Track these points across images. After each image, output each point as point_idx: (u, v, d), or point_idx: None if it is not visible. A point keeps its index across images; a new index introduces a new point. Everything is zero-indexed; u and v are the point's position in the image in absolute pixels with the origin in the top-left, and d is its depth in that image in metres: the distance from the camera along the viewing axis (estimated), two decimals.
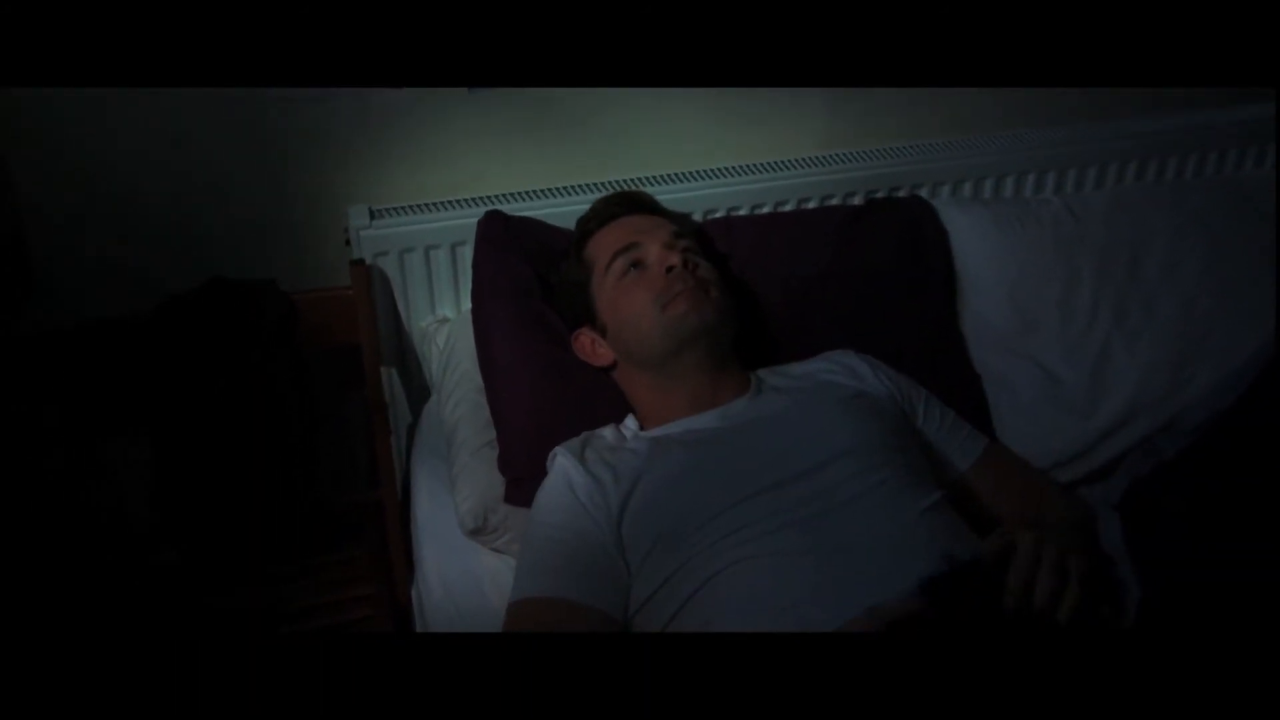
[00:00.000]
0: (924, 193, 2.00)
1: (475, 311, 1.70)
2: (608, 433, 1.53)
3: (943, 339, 1.80)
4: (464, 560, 1.59)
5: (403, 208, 1.84)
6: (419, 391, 1.96)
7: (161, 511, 1.81)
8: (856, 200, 1.96)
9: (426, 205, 1.85)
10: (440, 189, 1.87)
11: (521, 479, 1.55)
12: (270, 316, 1.77)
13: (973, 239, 1.87)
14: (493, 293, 1.67)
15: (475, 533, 1.56)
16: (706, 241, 1.74)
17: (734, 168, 1.95)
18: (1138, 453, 1.69)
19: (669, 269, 1.50)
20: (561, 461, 1.45)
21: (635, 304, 1.50)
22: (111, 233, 1.78)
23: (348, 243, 1.81)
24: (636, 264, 1.53)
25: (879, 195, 1.96)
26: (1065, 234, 1.88)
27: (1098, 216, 1.92)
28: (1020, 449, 1.70)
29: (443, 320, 1.88)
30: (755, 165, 1.95)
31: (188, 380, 1.76)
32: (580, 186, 1.89)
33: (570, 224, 1.73)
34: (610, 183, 1.90)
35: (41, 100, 1.66)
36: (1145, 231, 1.90)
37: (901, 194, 1.98)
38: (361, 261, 1.79)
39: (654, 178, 1.92)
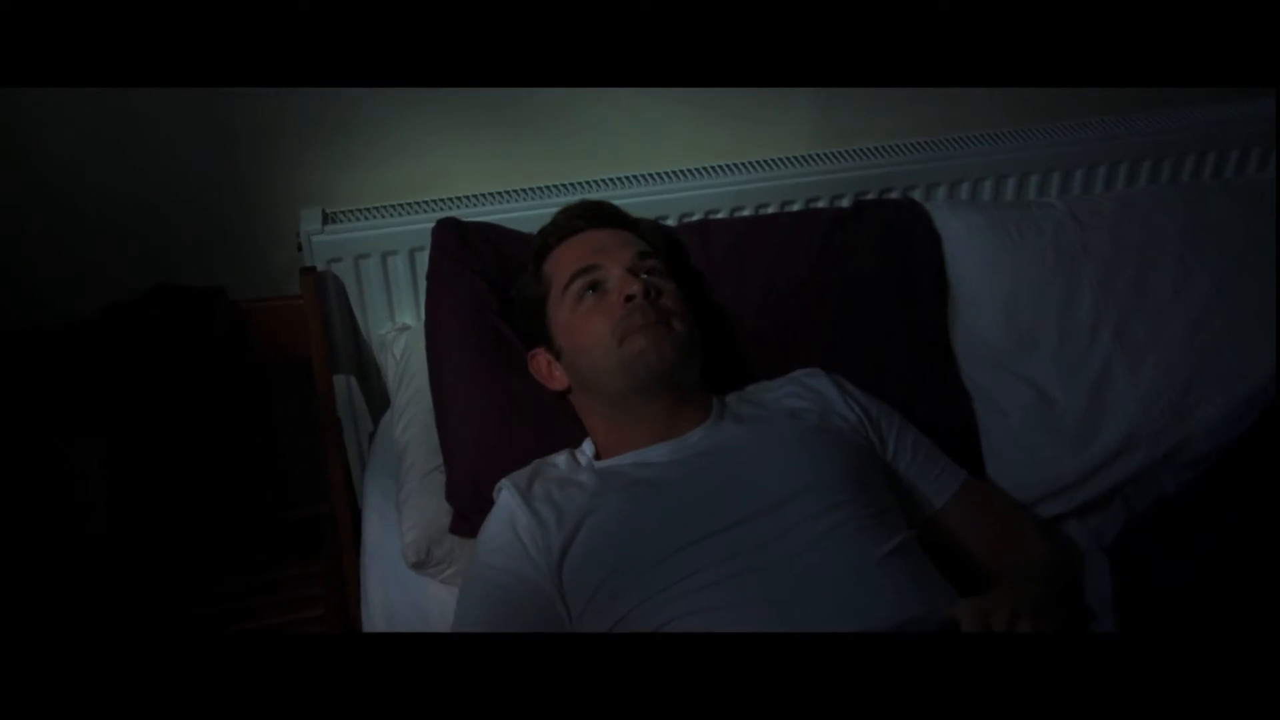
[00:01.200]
0: (918, 194, 1.87)
1: (427, 329, 1.60)
2: (561, 460, 1.43)
3: (931, 354, 1.68)
4: (410, 590, 1.51)
5: (360, 210, 1.74)
6: (380, 400, 1.86)
7: (115, 517, 1.74)
8: (845, 203, 1.83)
9: (385, 208, 1.75)
10: (401, 189, 1.77)
11: (467, 511, 1.46)
12: (217, 325, 1.69)
13: (966, 246, 1.74)
14: (444, 311, 1.58)
15: (417, 566, 1.47)
16: (679, 255, 1.62)
17: (713, 167, 1.83)
18: (1135, 486, 1.57)
19: (628, 298, 1.38)
20: (506, 497, 1.36)
21: (592, 332, 1.40)
22: (55, 232, 1.70)
23: (300, 248, 1.71)
24: (595, 287, 1.42)
25: (869, 197, 1.84)
26: (1067, 242, 1.75)
27: (1104, 223, 1.78)
28: (1009, 477, 1.60)
29: (402, 328, 1.78)
30: (736, 165, 1.84)
31: (131, 388, 1.68)
32: (550, 187, 1.78)
33: (537, 228, 1.63)
34: (582, 183, 1.79)
35: None
36: (1154, 240, 1.76)
37: (894, 196, 1.86)
38: (313, 269, 1.70)
39: (627, 178, 1.81)
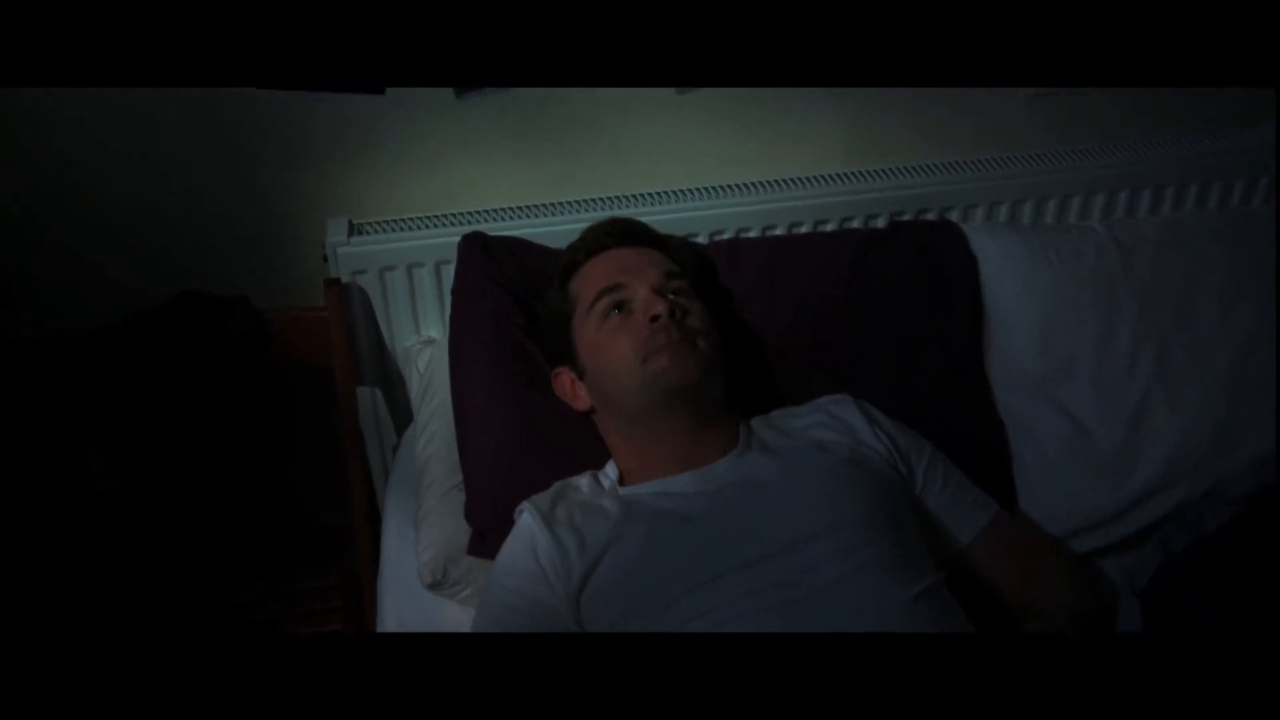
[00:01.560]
0: (955, 215, 1.83)
1: (451, 345, 1.58)
2: (584, 483, 1.41)
3: (965, 380, 1.63)
4: (425, 610, 1.49)
5: (386, 222, 1.73)
6: (405, 413, 1.85)
7: (136, 522, 1.74)
8: (880, 223, 1.79)
9: (412, 220, 1.73)
10: (428, 202, 1.76)
11: (486, 531, 1.43)
12: (238, 333, 1.68)
13: (1003, 270, 1.70)
14: (468, 326, 1.56)
15: (434, 586, 1.45)
16: (709, 275, 1.60)
17: (746, 185, 1.80)
18: (1173, 523, 1.51)
19: (654, 318, 1.35)
20: (527, 519, 1.34)
21: (616, 351, 1.37)
22: (84, 240, 1.70)
23: (325, 259, 1.70)
24: (621, 306, 1.39)
25: (904, 218, 1.80)
26: (1108, 267, 1.70)
27: (1146, 247, 1.73)
28: (1042, 508, 1.55)
29: (427, 341, 1.76)
30: (769, 182, 1.80)
31: (154, 395, 1.68)
32: (579, 203, 1.76)
33: (565, 244, 1.60)
34: (611, 198, 1.77)
35: (14, 104, 1.58)
36: (1199, 267, 1.70)
37: (930, 217, 1.81)
38: (337, 281, 1.68)
39: (658, 194, 1.78)
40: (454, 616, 1.47)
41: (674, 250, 1.52)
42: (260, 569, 1.83)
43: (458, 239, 1.64)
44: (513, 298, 1.56)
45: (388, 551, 1.60)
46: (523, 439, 1.47)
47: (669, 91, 1.73)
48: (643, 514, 1.31)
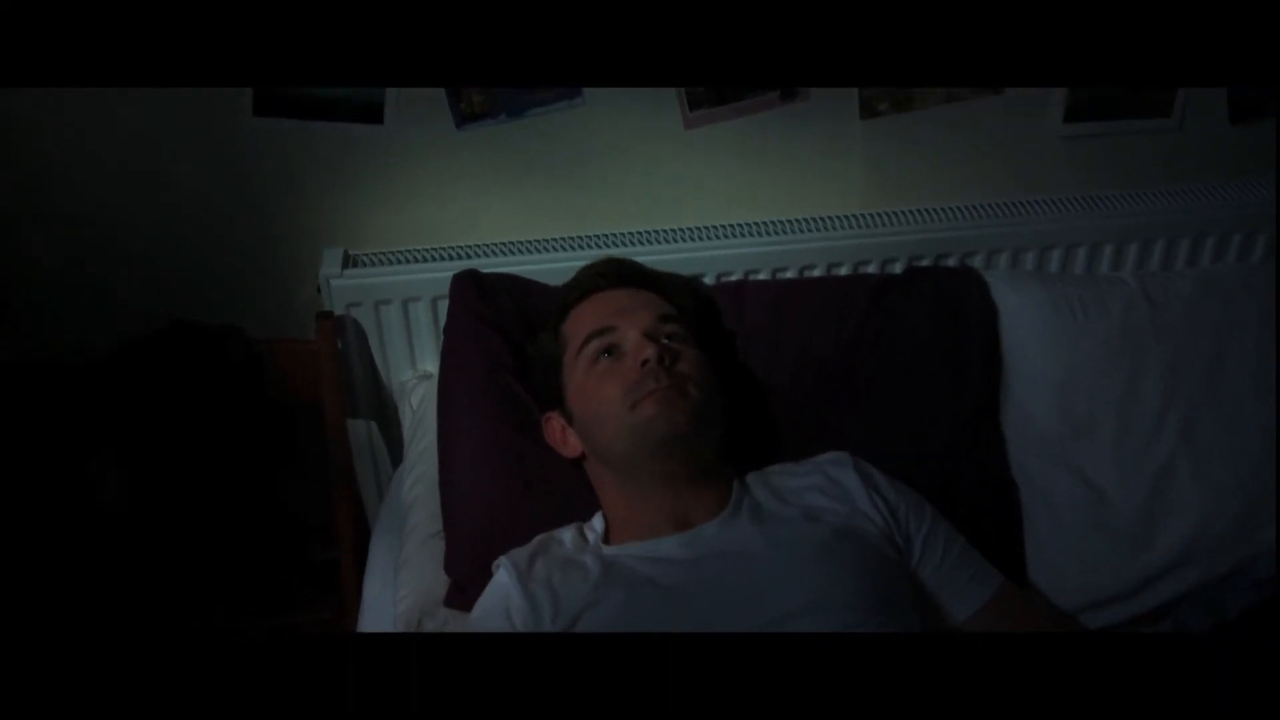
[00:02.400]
0: (978, 261, 1.74)
1: (440, 386, 1.53)
2: (568, 536, 1.35)
3: (976, 437, 1.55)
4: None
5: (383, 253, 1.69)
6: (401, 447, 1.80)
7: (131, 544, 1.72)
8: (897, 268, 1.72)
9: (409, 253, 1.69)
10: (428, 234, 1.72)
11: (465, 583, 1.38)
12: (230, 364, 1.64)
13: (1025, 322, 1.61)
14: (458, 367, 1.51)
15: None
16: (710, 318, 1.53)
17: (756, 224, 1.73)
18: (1192, 603, 1.42)
19: (643, 362, 1.29)
20: (503, 576, 1.28)
21: (604, 397, 1.31)
22: (78, 264, 1.68)
23: (319, 290, 1.66)
24: (611, 350, 1.33)
25: (923, 263, 1.72)
26: (1136, 323, 1.60)
27: (1179, 303, 1.63)
28: (1053, 579, 1.47)
29: (424, 376, 1.72)
30: (781, 222, 1.73)
31: (147, 423, 1.65)
32: (582, 239, 1.70)
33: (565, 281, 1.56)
34: (615, 235, 1.71)
35: (10, 126, 1.57)
36: (1232, 325, 1.60)
37: (950, 263, 1.73)
38: (330, 315, 1.65)
39: (664, 232, 1.72)
40: None
41: (671, 292, 1.46)
42: (251, 599, 1.80)
43: (453, 273, 1.60)
44: (505, 339, 1.51)
45: (369, 593, 1.55)
46: (507, 487, 1.42)
47: (677, 125, 1.68)
48: (623, 578, 1.25)
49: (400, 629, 1.40)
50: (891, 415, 1.52)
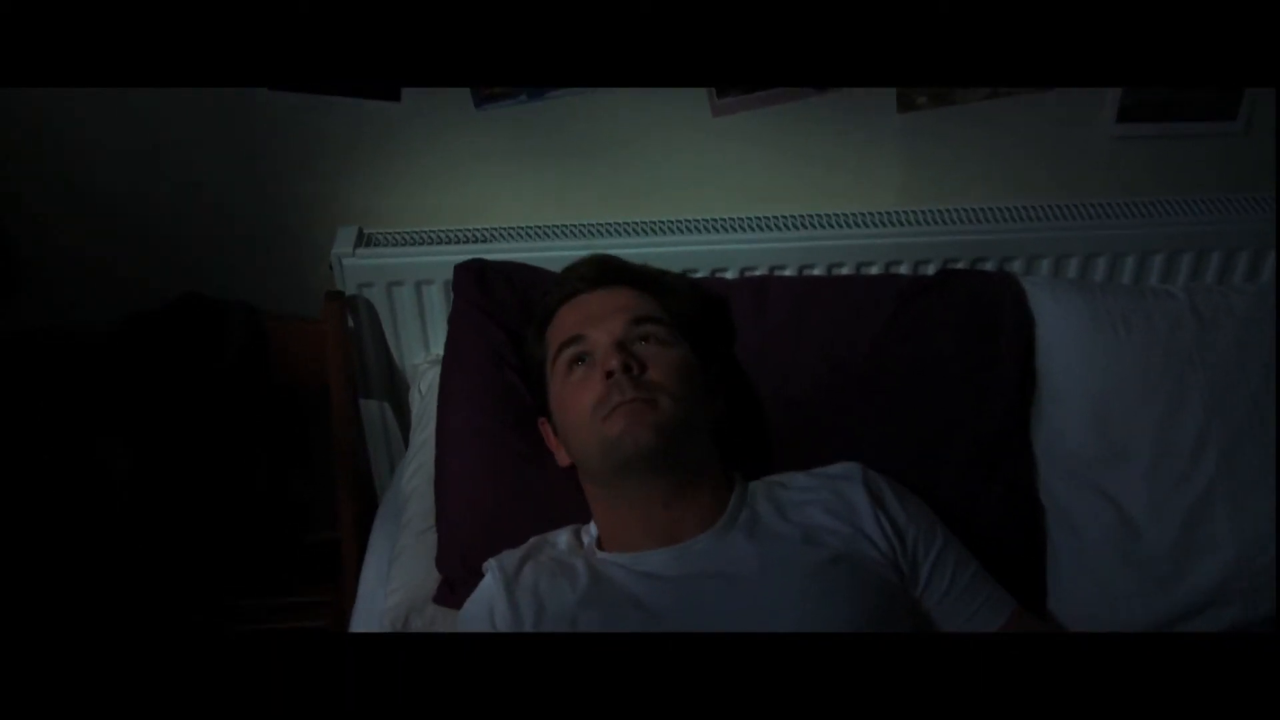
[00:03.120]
0: (1016, 267, 1.65)
1: (440, 377, 1.49)
2: (563, 539, 1.30)
3: (1002, 455, 1.46)
4: None
5: (399, 233, 1.65)
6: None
7: (137, 523, 1.71)
8: (930, 270, 1.63)
9: (424, 234, 1.66)
10: (445, 215, 1.67)
11: (455, 581, 1.34)
12: (237, 341, 1.61)
13: (1062, 334, 1.52)
14: (458, 360, 1.46)
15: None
16: (708, 316, 1.45)
17: (785, 218, 1.66)
18: None
19: (608, 374, 1.22)
20: (489, 581, 1.24)
21: (576, 407, 1.25)
22: (91, 236, 1.67)
23: (331, 268, 1.62)
24: (584, 358, 1.27)
25: (958, 266, 1.63)
26: (1182, 341, 1.50)
27: (1230, 322, 1.52)
28: (1073, 611, 1.40)
29: (435, 360, 1.67)
30: (810, 217, 1.66)
31: (154, 396, 1.63)
32: (602, 226, 1.65)
33: None
34: (636, 224, 1.66)
35: (30, 102, 1.55)
36: None
37: (988, 268, 1.64)
38: (339, 295, 1.61)
39: (686, 222, 1.66)
40: None
41: (658, 289, 1.37)
42: (252, 577, 1.79)
43: (468, 257, 1.55)
44: (507, 332, 1.46)
45: (364, 583, 1.51)
46: (502, 487, 1.38)
47: (705, 112, 1.60)
48: (608, 596, 1.19)
49: (386, 624, 1.37)
50: (913, 425, 1.45)
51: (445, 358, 1.49)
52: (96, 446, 1.66)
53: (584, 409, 1.23)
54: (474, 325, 1.47)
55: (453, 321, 1.50)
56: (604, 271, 1.36)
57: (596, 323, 1.28)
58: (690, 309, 1.38)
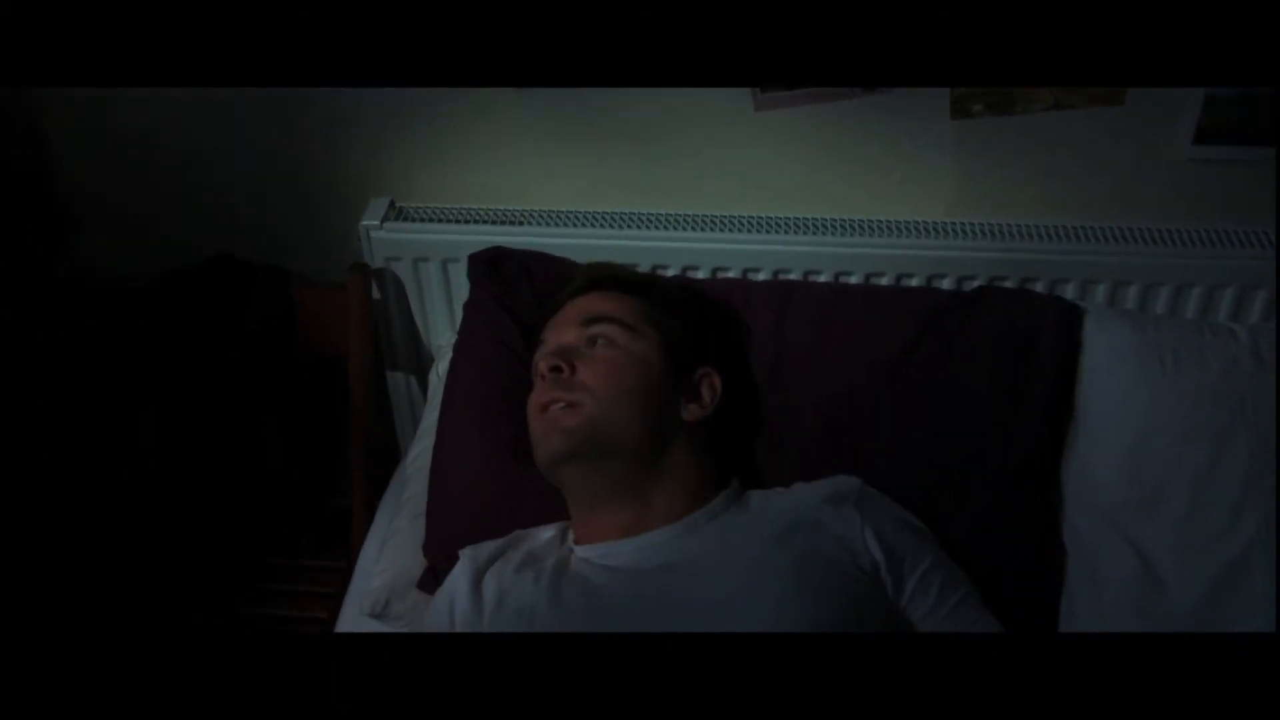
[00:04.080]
0: (1069, 291, 1.55)
1: (449, 367, 1.48)
2: (547, 534, 1.29)
3: (1027, 489, 1.38)
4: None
5: (432, 208, 1.64)
6: None
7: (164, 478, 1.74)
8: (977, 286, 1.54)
9: (457, 210, 1.64)
10: (479, 193, 1.65)
11: (440, 570, 1.33)
12: (260, 305, 1.63)
13: (1103, 364, 1.41)
14: (467, 347, 1.46)
15: (374, 616, 1.36)
16: (693, 320, 1.35)
17: (824, 221, 1.59)
18: None
19: (542, 376, 1.23)
20: (457, 571, 1.24)
21: (528, 409, 1.26)
22: (139, 193, 1.70)
23: (360, 240, 1.62)
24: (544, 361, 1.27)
25: (1005, 284, 1.54)
26: (1235, 384, 1.38)
27: None
28: None
29: None
30: (852, 222, 1.59)
31: (178, 355, 1.66)
32: (637, 216, 1.61)
33: (622, 259, 1.49)
34: (675, 217, 1.61)
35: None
36: None
37: (1038, 288, 1.55)
38: (364, 266, 1.61)
39: (724, 219, 1.61)
40: None
41: (640, 290, 1.32)
42: (272, 541, 1.81)
43: (495, 239, 1.53)
44: (519, 324, 1.44)
45: (363, 558, 1.52)
46: (495, 479, 1.35)
47: (746, 106, 1.54)
48: (569, 588, 1.18)
49: (368, 606, 1.36)
50: (931, 450, 1.37)
51: (456, 345, 1.48)
52: (126, 399, 1.70)
53: (530, 410, 1.24)
54: (485, 315, 1.45)
55: (467, 310, 1.49)
56: (590, 281, 1.33)
57: (556, 327, 1.28)
58: (670, 310, 1.31)
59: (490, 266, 1.47)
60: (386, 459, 1.75)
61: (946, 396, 1.39)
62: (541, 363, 1.23)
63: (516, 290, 1.46)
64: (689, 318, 1.33)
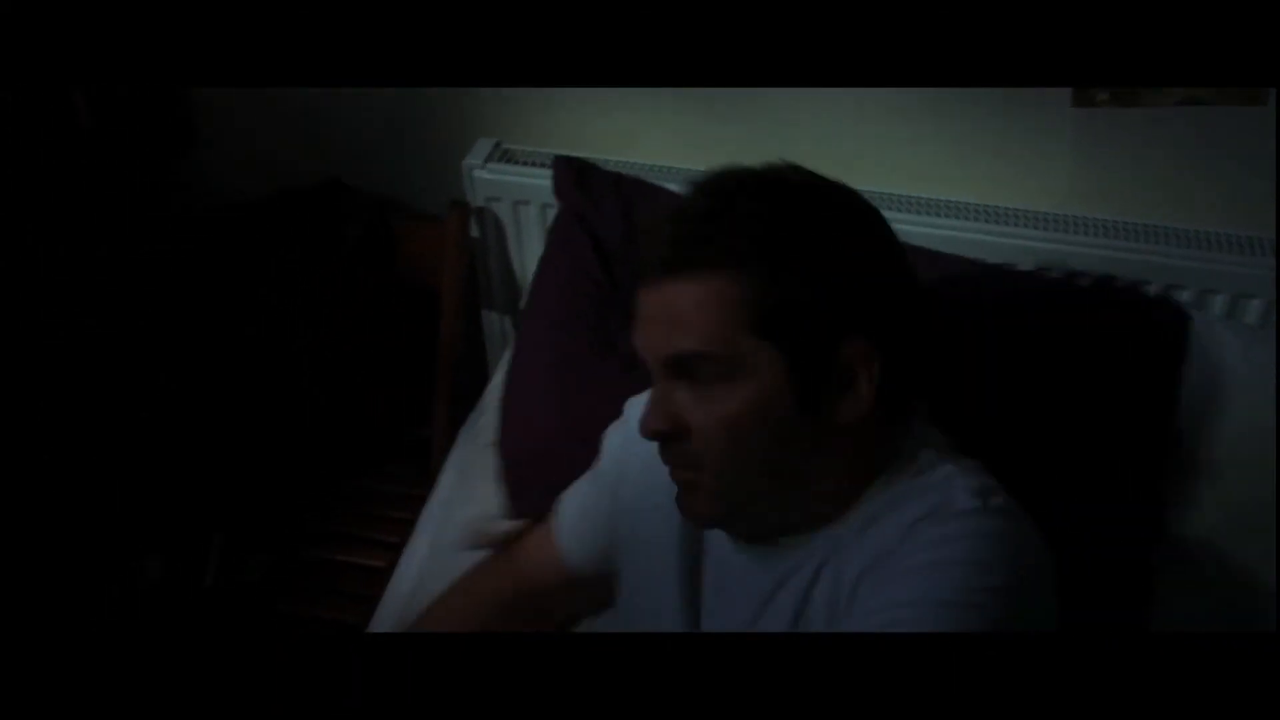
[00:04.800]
0: (1184, 297, 1.47)
1: (530, 286, 1.48)
2: None
3: (1124, 496, 1.29)
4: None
5: (536, 153, 1.65)
6: None
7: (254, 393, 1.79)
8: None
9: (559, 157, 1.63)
10: (582, 141, 1.64)
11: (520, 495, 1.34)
12: (355, 232, 1.66)
13: (1204, 377, 1.32)
14: (541, 277, 1.46)
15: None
16: (830, 293, 1.00)
17: (929, 201, 1.54)
18: None
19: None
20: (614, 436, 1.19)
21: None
22: (258, 114, 1.75)
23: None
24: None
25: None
26: None
27: None
28: None
29: None
30: (956, 204, 1.53)
31: (280, 274, 1.71)
32: None
33: None
34: None
35: None
36: None
37: (1150, 291, 1.47)
38: (464, 205, 1.63)
39: None
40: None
41: (754, 263, 0.92)
42: (355, 463, 1.85)
43: None
44: (598, 246, 1.41)
45: (440, 490, 1.52)
46: (566, 411, 1.35)
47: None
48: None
49: (461, 537, 1.35)
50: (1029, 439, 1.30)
51: (537, 268, 1.48)
52: (228, 311, 1.74)
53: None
54: (567, 231, 1.44)
55: (551, 230, 1.48)
56: (677, 248, 0.94)
57: (646, 343, 0.96)
58: (787, 267, 0.92)
59: (576, 177, 1.45)
60: (477, 396, 1.78)
61: (1046, 386, 1.31)
62: (649, 423, 0.96)
63: (604, 207, 1.44)
64: (815, 268, 0.93)
